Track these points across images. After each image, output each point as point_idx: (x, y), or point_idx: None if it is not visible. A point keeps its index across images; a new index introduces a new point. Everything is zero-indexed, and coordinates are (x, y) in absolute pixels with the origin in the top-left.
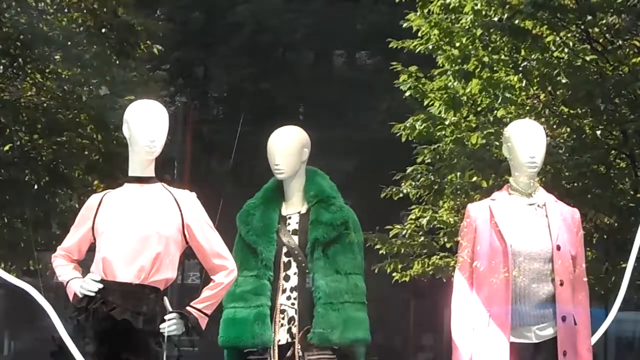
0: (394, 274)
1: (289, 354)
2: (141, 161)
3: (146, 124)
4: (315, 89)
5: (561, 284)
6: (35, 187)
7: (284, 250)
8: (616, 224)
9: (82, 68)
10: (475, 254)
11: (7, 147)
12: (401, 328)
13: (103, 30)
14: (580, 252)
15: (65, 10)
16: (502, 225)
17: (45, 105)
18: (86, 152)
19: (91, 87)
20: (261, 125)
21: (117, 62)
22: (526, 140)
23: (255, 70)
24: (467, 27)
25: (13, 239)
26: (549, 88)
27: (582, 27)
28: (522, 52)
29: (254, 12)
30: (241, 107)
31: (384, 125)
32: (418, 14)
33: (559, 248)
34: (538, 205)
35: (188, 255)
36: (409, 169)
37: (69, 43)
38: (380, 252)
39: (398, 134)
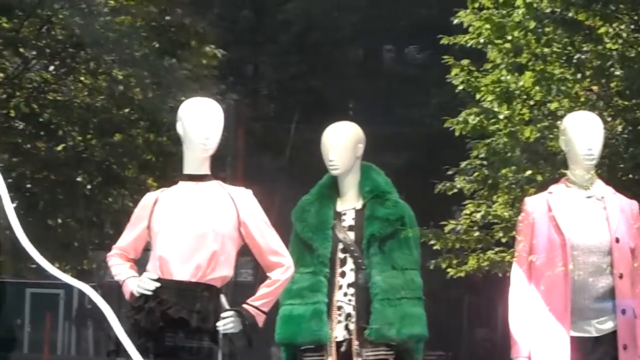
0: (449, 269)
1: (345, 350)
2: (196, 159)
3: (201, 121)
4: (364, 85)
5: (620, 277)
6: (89, 187)
7: (340, 246)
8: None
9: (134, 68)
10: (533, 248)
11: (60, 148)
12: (454, 324)
13: (156, 32)
14: (639, 245)
15: (118, 12)
16: (560, 218)
17: (97, 105)
18: (138, 152)
19: (143, 87)
20: (312, 122)
21: (169, 62)
22: (583, 133)
23: (304, 68)
24: (519, 20)
25: (67, 238)
26: (603, 80)
27: (636, 17)
28: (575, 44)
29: (303, 9)
30: (291, 104)
31: (435, 119)
32: (468, 11)
33: (617, 240)
34: (596, 198)
35: (240, 253)
36: (463, 164)
37: (121, 44)
38: (435, 247)
39: (451, 129)
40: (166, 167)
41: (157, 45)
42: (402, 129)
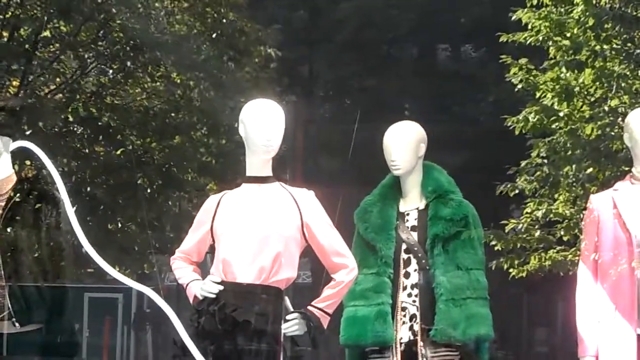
0: (511, 270)
1: (410, 351)
2: (258, 161)
3: (262, 123)
4: (420, 84)
5: None
6: (148, 190)
7: (404, 247)
8: None
9: (193, 72)
10: (599, 246)
11: (119, 151)
12: (514, 323)
13: (214, 35)
14: None
15: (176, 15)
16: (626, 215)
17: (156, 109)
18: (198, 155)
19: (202, 90)
20: (368, 121)
21: (227, 65)
22: None
23: (360, 67)
24: (578, 17)
25: (127, 242)
26: None
27: None
28: (635, 41)
29: (357, 8)
30: (346, 104)
31: (492, 118)
32: (526, 10)
33: None
34: None
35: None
36: (523, 163)
37: (179, 47)
38: (496, 248)
39: (511, 127)
40: (225, 169)
41: (215, 48)
42: (457, 128)
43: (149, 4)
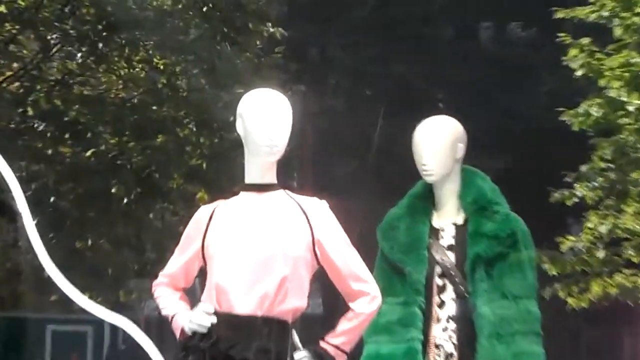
0: (569, 298)
1: None
2: (260, 165)
3: (265, 119)
4: (457, 71)
5: None
6: (125, 200)
7: (438, 270)
8: None
9: (180, 55)
10: None
11: (89, 153)
12: None
13: (204, 9)
14: None
15: None
16: None
17: (134, 101)
18: (185, 157)
19: (191, 78)
20: (394, 116)
21: (221, 46)
22: None
23: (383, 50)
24: None
25: (99, 264)
26: None
27: None
28: None
29: None
30: (367, 95)
31: (545, 112)
32: None
33: None
34: None
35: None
36: (584, 167)
37: (163, 26)
38: (550, 272)
39: (568, 123)
40: (219, 174)
41: (206, 27)
42: (503, 125)
43: None
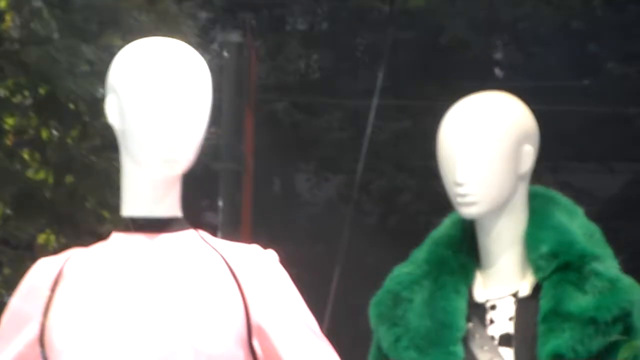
0: None
1: None
2: (151, 183)
3: (164, 98)
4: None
5: None
6: None
7: None
8: None
9: None
10: None
11: None
12: None
13: None
14: None
15: None
16: None
17: None
18: (17, 167)
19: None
20: (405, 91)
21: None
22: None
23: None
24: None
25: None
26: None
27: None
28: None
29: None
30: (361, 54)
31: None
32: None
33: None
34: None
35: None
36: None
37: None
38: None
39: None
40: (75, 200)
41: None
42: (594, 113)
43: None
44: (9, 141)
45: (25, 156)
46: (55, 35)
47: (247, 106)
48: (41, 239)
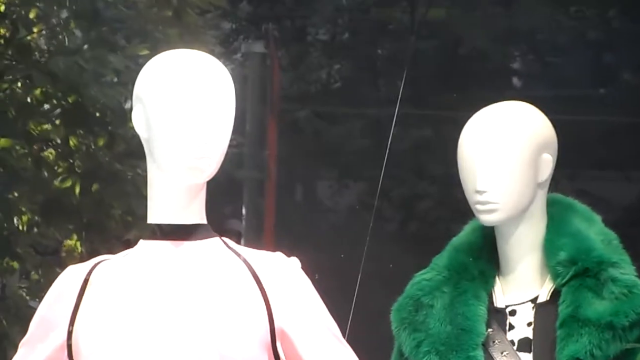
0: None
1: None
2: (177, 191)
3: (189, 108)
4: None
5: None
6: None
7: None
8: None
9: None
10: None
11: None
12: None
13: None
14: None
15: None
16: None
17: None
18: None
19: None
20: (425, 101)
21: None
22: None
23: None
24: None
25: None
26: None
27: None
28: None
29: None
30: (383, 63)
31: None
32: None
33: None
34: None
35: None
36: None
37: None
38: None
39: None
40: (102, 210)
41: None
42: (615, 120)
43: None
44: (37, 149)
45: (54, 164)
46: (83, 46)
47: (270, 115)
48: (67, 245)
